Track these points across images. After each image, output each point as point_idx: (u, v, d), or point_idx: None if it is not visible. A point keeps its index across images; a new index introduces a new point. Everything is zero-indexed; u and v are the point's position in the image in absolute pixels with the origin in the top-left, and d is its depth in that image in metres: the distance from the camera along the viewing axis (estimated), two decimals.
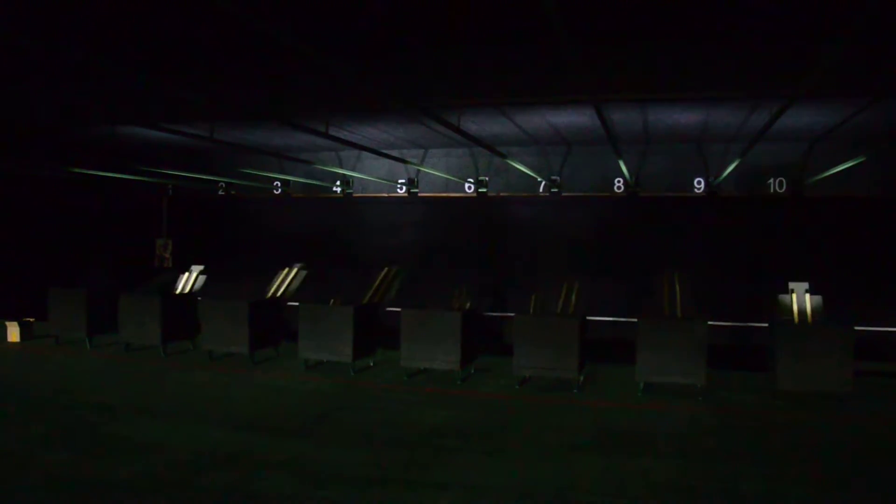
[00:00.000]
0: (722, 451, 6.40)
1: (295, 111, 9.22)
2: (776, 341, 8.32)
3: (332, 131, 10.02)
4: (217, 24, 7.00)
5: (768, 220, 12.62)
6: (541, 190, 13.16)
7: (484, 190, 13.47)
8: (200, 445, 6.37)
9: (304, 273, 11.22)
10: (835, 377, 8.03)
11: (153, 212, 16.39)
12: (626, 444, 6.64)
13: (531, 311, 9.78)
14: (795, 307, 8.76)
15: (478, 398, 8.57)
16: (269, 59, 8.28)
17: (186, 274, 11.60)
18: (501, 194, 13.58)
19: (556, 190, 12.89)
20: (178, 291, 11.55)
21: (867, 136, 10.74)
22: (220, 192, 15.32)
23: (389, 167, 13.67)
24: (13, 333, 11.85)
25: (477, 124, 10.32)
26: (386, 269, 11.08)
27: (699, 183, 12.41)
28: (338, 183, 14.33)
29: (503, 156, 10.39)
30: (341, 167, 13.29)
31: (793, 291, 8.81)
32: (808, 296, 8.76)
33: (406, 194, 14.01)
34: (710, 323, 8.60)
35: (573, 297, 9.79)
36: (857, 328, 8.28)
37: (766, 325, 9.21)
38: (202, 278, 11.53)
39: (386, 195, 14.27)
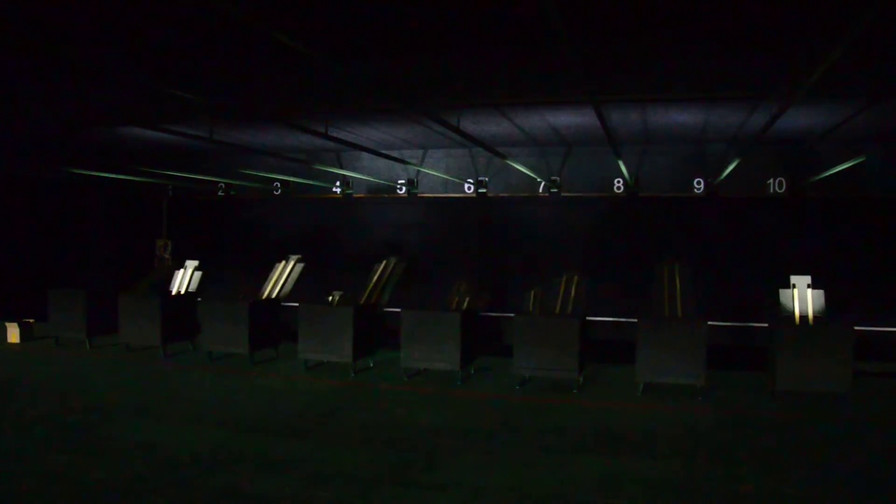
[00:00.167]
0: (721, 452, 6.40)
1: (295, 112, 9.23)
2: (776, 341, 8.32)
3: (332, 132, 10.02)
4: (217, 25, 7.00)
5: (768, 221, 12.62)
6: (540, 190, 13.16)
7: (483, 190, 13.47)
8: (200, 446, 6.37)
9: (300, 266, 11.18)
10: (834, 377, 8.03)
11: (153, 213, 16.39)
12: (626, 444, 6.64)
13: (531, 305, 9.78)
14: (797, 303, 8.71)
15: (478, 398, 8.57)
16: (268, 59, 8.28)
17: (182, 270, 11.54)
18: (501, 195, 13.58)
19: (555, 190, 12.88)
20: (174, 289, 11.47)
21: (867, 137, 10.75)
22: (220, 193, 15.32)
23: (389, 168, 13.67)
24: (13, 334, 11.86)
25: (476, 125, 10.32)
26: (385, 261, 11.04)
27: (699, 183, 12.41)
28: (337, 183, 14.33)
29: (503, 156, 10.39)
30: (341, 168, 13.29)
31: (794, 286, 8.75)
32: (809, 291, 8.70)
33: (406, 195, 14.01)
34: (709, 323, 8.60)
35: (573, 291, 9.75)
36: (856, 328, 8.28)
37: (765, 325, 9.21)
38: (198, 275, 11.48)
39: (386, 196, 14.27)
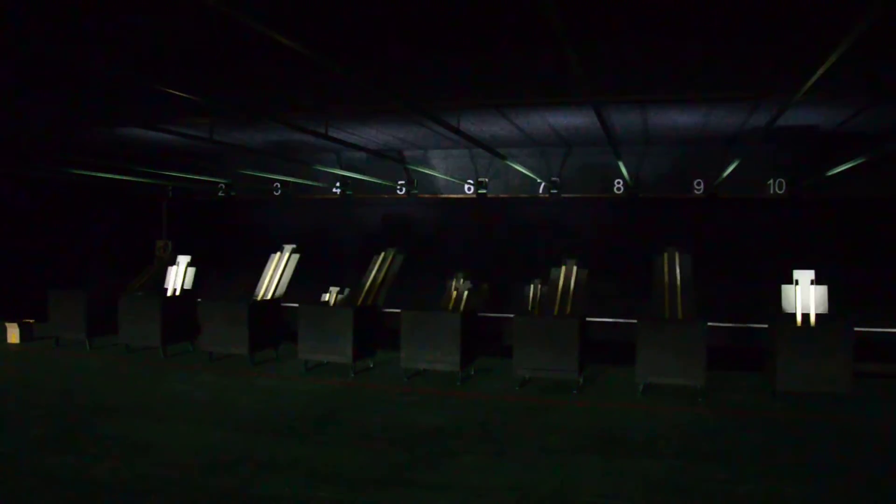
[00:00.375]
0: (721, 452, 6.40)
1: (295, 112, 9.22)
2: (776, 342, 8.32)
3: (332, 132, 10.03)
4: (216, 25, 7.00)
5: (767, 222, 12.62)
6: (540, 191, 13.16)
7: (483, 191, 13.47)
8: (200, 447, 6.37)
9: (296, 257, 11.14)
10: (835, 378, 8.03)
11: (153, 213, 16.39)
12: (626, 445, 6.64)
13: (530, 299, 9.77)
14: (799, 300, 8.66)
15: (478, 399, 8.57)
16: (268, 60, 8.28)
17: (175, 267, 11.49)
18: (501, 196, 13.58)
19: (555, 191, 12.88)
20: (169, 286, 11.38)
21: (867, 137, 10.75)
22: (220, 194, 15.32)
23: (389, 168, 13.67)
24: (13, 335, 11.86)
25: (476, 126, 10.32)
26: (384, 253, 11.02)
27: (699, 184, 12.41)
28: (337, 184, 14.34)
29: (503, 157, 10.39)
30: (341, 168, 13.29)
31: (797, 282, 8.69)
32: (812, 287, 8.64)
33: (405, 195, 14.01)
34: (709, 324, 8.60)
35: (572, 283, 9.71)
36: (856, 329, 8.28)
37: (765, 325, 9.20)
38: (191, 271, 11.43)
39: (385, 196, 14.27)
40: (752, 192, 12.22)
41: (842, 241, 12.09)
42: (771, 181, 12.06)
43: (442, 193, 13.89)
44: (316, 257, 13.47)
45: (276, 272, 10.99)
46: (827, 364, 8.04)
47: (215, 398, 8.45)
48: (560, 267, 10.01)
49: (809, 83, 5.49)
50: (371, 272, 10.69)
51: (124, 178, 13.15)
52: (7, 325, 11.92)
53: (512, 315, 9.38)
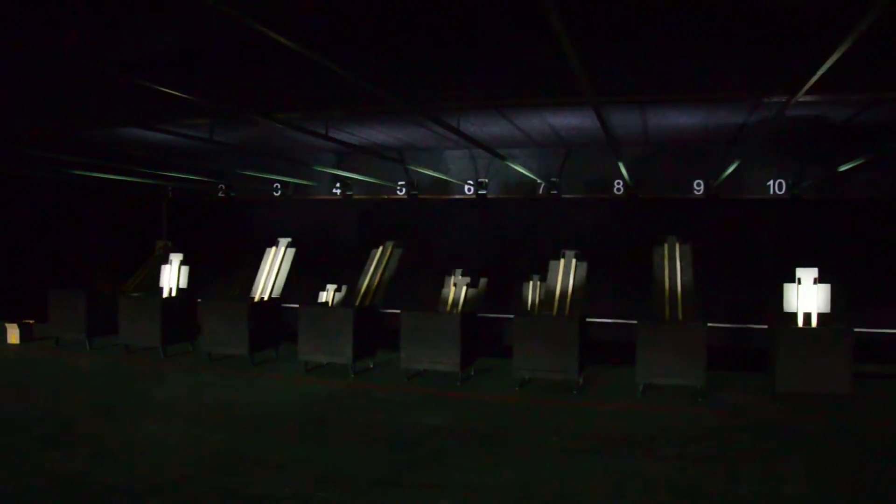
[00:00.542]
0: (721, 453, 6.39)
1: (295, 112, 9.22)
2: (775, 343, 8.32)
3: (332, 132, 10.03)
4: (216, 25, 7.00)
5: (767, 222, 12.61)
6: (540, 192, 13.15)
7: (483, 192, 13.46)
8: (200, 447, 6.37)
9: (292, 251, 11.11)
10: (835, 379, 8.02)
11: (153, 213, 16.38)
12: (626, 445, 6.64)
13: (530, 294, 9.75)
14: (800, 300, 8.64)
15: (478, 400, 8.57)
16: (268, 60, 8.28)
17: (167, 266, 11.46)
18: (501, 196, 13.57)
19: (555, 192, 12.87)
20: (164, 285, 11.35)
21: (867, 137, 10.74)
22: (221, 194, 15.33)
23: (389, 168, 13.66)
24: (13, 335, 11.86)
25: (476, 126, 10.32)
26: (381, 246, 11.00)
27: (699, 185, 12.41)
28: (337, 184, 14.33)
29: (503, 157, 10.39)
30: (340, 169, 13.29)
31: (799, 280, 8.66)
32: (816, 286, 8.60)
33: (405, 196, 14.00)
34: (709, 324, 8.60)
35: (571, 278, 9.68)
36: (856, 330, 8.27)
37: (765, 326, 9.20)
38: (185, 269, 11.41)
39: (385, 196, 14.26)
40: (752, 192, 12.22)
41: (842, 242, 12.07)
42: (771, 182, 12.06)
43: (442, 194, 13.89)
44: (316, 257, 13.47)
45: (273, 267, 10.95)
46: (827, 365, 8.04)
47: (215, 398, 8.44)
48: (559, 260, 9.93)
49: (810, 83, 5.49)
50: (370, 266, 10.66)
51: (124, 178, 13.15)
52: (7, 325, 11.91)
53: (512, 315, 9.37)
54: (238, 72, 8.72)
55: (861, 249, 12.00)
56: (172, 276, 11.29)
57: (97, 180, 13.34)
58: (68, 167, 12.04)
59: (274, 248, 11.14)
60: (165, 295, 11.18)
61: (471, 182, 13.54)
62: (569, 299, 9.61)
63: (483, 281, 10.32)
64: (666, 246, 9.74)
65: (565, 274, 9.77)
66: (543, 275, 9.96)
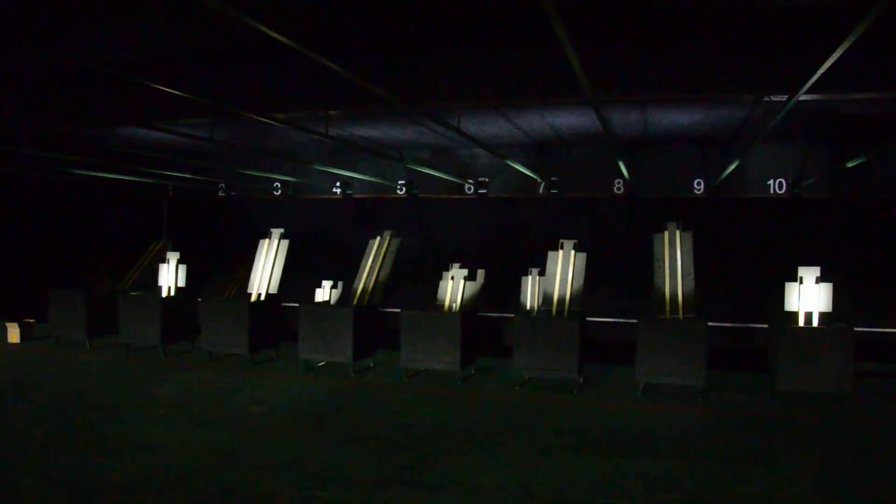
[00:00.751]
0: (722, 452, 6.40)
1: (295, 112, 9.22)
2: (776, 342, 8.31)
3: (332, 132, 10.02)
4: (216, 24, 7.00)
5: (768, 222, 12.60)
6: (540, 191, 13.15)
7: (483, 191, 13.45)
8: (200, 446, 6.37)
9: (286, 242, 11.07)
10: (835, 378, 8.03)
11: (153, 213, 16.38)
12: (626, 444, 6.64)
13: (529, 291, 9.76)
14: (802, 300, 8.63)
15: (478, 399, 8.57)
16: (268, 59, 8.28)
17: (164, 265, 11.43)
18: (501, 196, 13.56)
19: (555, 191, 12.86)
20: (162, 284, 11.34)
21: (866, 137, 10.75)
22: (221, 194, 15.32)
23: (389, 168, 13.66)
24: (13, 334, 11.86)
25: (476, 125, 10.32)
26: (379, 237, 10.97)
27: (699, 184, 12.40)
28: (338, 184, 14.33)
29: (503, 157, 10.38)
30: (341, 168, 13.28)
31: (801, 279, 8.65)
32: (817, 285, 8.58)
33: (405, 195, 14.00)
34: (710, 324, 8.60)
35: (571, 273, 9.65)
36: (857, 329, 8.27)
37: (765, 325, 9.19)
38: (182, 268, 11.36)
39: (385, 196, 14.26)
40: (752, 191, 12.22)
41: (842, 243, 12.07)
42: (771, 181, 12.05)
43: (442, 193, 13.88)
44: (316, 257, 13.47)
45: (269, 261, 10.90)
46: (827, 365, 8.04)
47: (215, 398, 8.45)
48: (557, 251, 9.88)
49: (810, 83, 5.49)
50: (368, 257, 10.63)
51: (124, 177, 13.15)
52: (7, 324, 11.92)
53: (512, 315, 9.36)
54: (238, 71, 8.72)
55: (862, 248, 12.00)
56: (171, 275, 11.28)
57: (97, 180, 13.34)
58: (68, 167, 12.03)
59: (267, 241, 11.08)
60: (164, 294, 11.18)
61: (471, 181, 13.53)
62: (569, 292, 9.55)
63: (481, 272, 10.26)
64: (666, 233, 9.73)
65: (564, 264, 9.72)
66: (542, 269, 9.95)
